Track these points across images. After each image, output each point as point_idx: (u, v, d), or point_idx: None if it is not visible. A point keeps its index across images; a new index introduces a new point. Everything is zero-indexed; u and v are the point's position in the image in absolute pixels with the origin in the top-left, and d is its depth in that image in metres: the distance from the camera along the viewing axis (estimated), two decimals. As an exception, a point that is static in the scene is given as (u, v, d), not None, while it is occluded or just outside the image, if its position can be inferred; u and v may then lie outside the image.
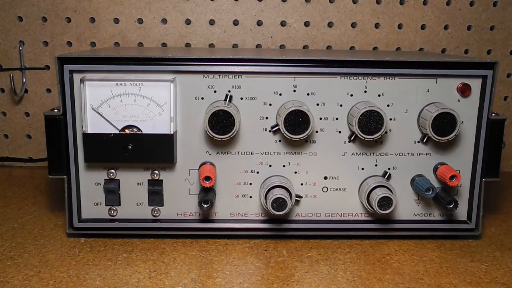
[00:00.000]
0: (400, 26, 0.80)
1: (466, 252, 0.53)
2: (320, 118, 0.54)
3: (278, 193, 0.51)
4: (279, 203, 0.51)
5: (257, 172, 0.55)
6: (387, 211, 0.53)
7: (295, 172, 0.55)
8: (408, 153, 0.55)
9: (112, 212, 0.55)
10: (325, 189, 0.56)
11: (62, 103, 0.52)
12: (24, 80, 0.79)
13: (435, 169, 0.55)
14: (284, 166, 0.55)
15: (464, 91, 0.54)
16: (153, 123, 0.52)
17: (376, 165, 0.55)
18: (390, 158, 0.55)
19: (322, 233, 0.56)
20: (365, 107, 0.51)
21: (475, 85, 0.54)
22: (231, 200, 0.55)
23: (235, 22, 0.79)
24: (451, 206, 0.52)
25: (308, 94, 0.53)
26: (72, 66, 0.51)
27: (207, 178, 0.51)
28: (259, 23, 0.79)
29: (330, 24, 0.79)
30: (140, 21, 0.78)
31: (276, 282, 0.47)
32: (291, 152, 0.54)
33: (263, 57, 0.53)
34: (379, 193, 0.52)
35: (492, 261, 0.52)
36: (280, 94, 0.53)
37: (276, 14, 0.78)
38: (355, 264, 0.51)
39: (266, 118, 0.53)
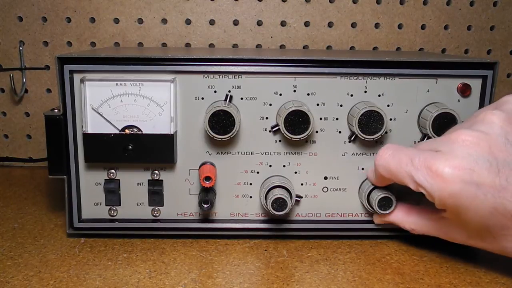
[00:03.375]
0: (400, 26, 0.80)
1: (466, 252, 0.53)
2: (320, 118, 0.54)
3: (278, 193, 0.51)
4: (279, 203, 0.51)
5: (257, 172, 0.55)
6: (387, 211, 0.53)
7: (295, 172, 0.55)
8: (408, 153, 0.55)
9: (112, 212, 0.55)
10: (325, 189, 0.56)
11: (62, 103, 0.52)
12: (24, 80, 0.79)
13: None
14: (284, 166, 0.55)
15: (464, 91, 0.54)
16: (153, 123, 0.52)
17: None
18: (390, 158, 0.55)
19: (322, 233, 0.56)
20: (365, 107, 0.51)
21: (475, 85, 0.54)
22: (231, 200, 0.55)
23: (235, 22, 0.79)
24: None
25: (308, 94, 0.53)
26: (72, 66, 0.51)
27: (207, 178, 0.51)
28: (259, 23, 0.79)
29: (330, 24, 0.79)
30: (140, 21, 0.78)
31: (276, 282, 0.47)
32: (291, 152, 0.54)
33: (263, 57, 0.53)
34: (379, 193, 0.52)
35: (492, 261, 0.52)
36: (280, 94, 0.53)
37: (276, 14, 0.78)
38: (355, 264, 0.51)
39: (266, 118, 0.53)
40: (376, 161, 0.49)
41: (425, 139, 0.54)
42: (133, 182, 0.55)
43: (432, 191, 0.44)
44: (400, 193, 0.53)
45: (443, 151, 0.44)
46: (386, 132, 0.54)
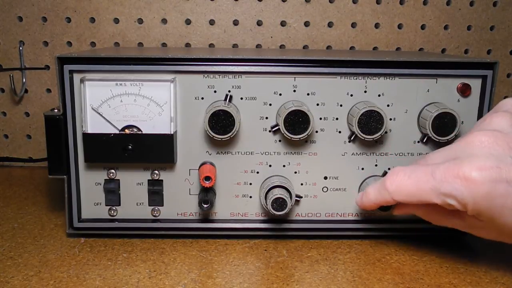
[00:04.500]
0: (400, 26, 0.80)
1: (466, 252, 0.53)
2: (320, 118, 0.54)
3: (278, 193, 0.51)
4: (279, 203, 0.51)
5: (257, 172, 0.55)
6: (387, 211, 0.53)
7: (295, 172, 0.55)
8: (408, 153, 0.55)
9: (112, 212, 0.55)
10: (325, 189, 0.56)
11: (62, 103, 0.52)
12: (24, 80, 0.79)
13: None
14: (284, 166, 0.55)
15: (464, 91, 0.54)
16: (153, 123, 0.52)
17: (376, 165, 0.55)
18: (390, 158, 0.55)
19: (322, 233, 0.56)
20: (365, 107, 0.51)
21: (475, 85, 0.54)
22: (231, 200, 0.55)
23: (235, 22, 0.79)
24: None
25: (308, 94, 0.53)
26: (72, 66, 0.51)
27: (207, 178, 0.51)
28: (259, 23, 0.79)
29: (330, 24, 0.79)
30: (140, 21, 0.78)
31: (276, 282, 0.47)
32: (291, 152, 0.54)
33: (263, 57, 0.53)
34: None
35: (492, 261, 0.52)
36: (280, 94, 0.53)
37: (276, 14, 0.78)
38: (355, 264, 0.51)
39: (266, 118, 0.53)
40: (387, 188, 0.47)
41: (425, 139, 0.54)
42: (133, 182, 0.55)
43: (464, 198, 0.42)
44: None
45: (462, 157, 0.43)
46: (386, 132, 0.54)
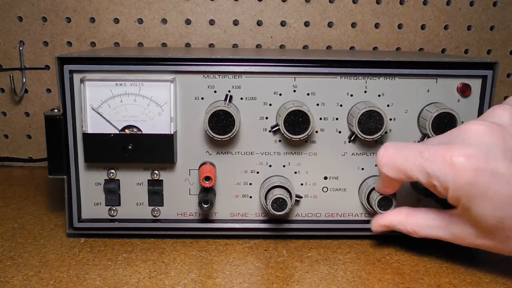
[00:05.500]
0: (400, 26, 0.80)
1: (466, 252, 0.53)
2: (320, 118, 0.54)
3: (278, 193, 0.51)
4: (279, 203, 0.51)
5: (257, 172, 0.55)
6: (387, 211, 0.53)
7: (295, 172, 0.55)
8: (408, 153, 0.55)
9: (112, 212, 0.55)
10: (325, 189, 0.56)
11: (62, 103, 0.52)
12: (24, 80, 0.79)
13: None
14: (284, 166, 0.55)
15: (464, 91, 0.54)
16: (153, 123, 0.52)
17: (376, 165, 0.55)
18: (390, 158, 0.55)
19: (322, 233, 0.56)
20: (365, 107, 0.51)
21: (475, 85, 0.54)
22: (231, 200, 0.55)
23: (235, 22, 0.79)
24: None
25: (308, 94, 0.53)
26: (72, 66, 0.51)
27: (207, 178, 0.51)
28: (259, 23, 0.79)
29: (330, 24, 0.79)
30: (140, 21, 0.78)
31: (276, 282, 0.47)
32: (291, 152, 0.54)
33: (263, 57, 0.53)
34: (379, 193, 0.52)
35: (492, 261, 0.52)
36: (280, 94, 0.53)
37: (276, 14, 0.78)
38: (355, 264, 0.51)
39: (266, 118, 0.53)
40: (378, 161, 0.48)
41: (425, 139, 0.54)
42: (133, 182, 0.55)
43: (447, 181, 0.42)
44: (400, 195, 0.53)
45: (454, 142, 0.44)
46: (386, 132, 0.54)
